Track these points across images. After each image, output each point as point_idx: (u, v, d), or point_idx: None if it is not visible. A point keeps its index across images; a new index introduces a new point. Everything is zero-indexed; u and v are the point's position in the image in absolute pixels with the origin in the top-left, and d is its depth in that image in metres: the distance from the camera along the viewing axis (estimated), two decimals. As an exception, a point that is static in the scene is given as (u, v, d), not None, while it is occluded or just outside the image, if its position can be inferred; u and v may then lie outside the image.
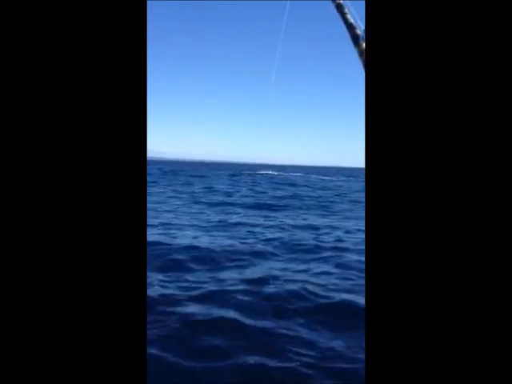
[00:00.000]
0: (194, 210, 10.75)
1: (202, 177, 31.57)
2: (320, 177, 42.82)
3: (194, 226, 8.26)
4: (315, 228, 8.36)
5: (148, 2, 1.31)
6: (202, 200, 13.62)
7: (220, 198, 14.50)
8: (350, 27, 2.39)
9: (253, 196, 16.08)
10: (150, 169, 40.06)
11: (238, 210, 11.30)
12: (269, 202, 13.79)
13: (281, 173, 50.79)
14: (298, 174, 50.44)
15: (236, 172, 48.74)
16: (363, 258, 5.60)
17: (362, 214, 11.30)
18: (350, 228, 8.58)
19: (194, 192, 16.98)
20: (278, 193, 18.30)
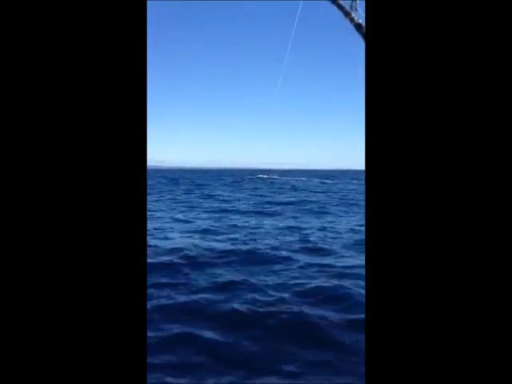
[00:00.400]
0: (190, 216, 10.77)
1: (202, 184, 31.62)
2: (323, 180, 42.87)
3: (183, 230, 8.35)
4: (304, 230, 8.39)
5: (148, 2, 1.29)
6: (199, 207, 13.65)
7: (217, 205, 14.51)
8: (347, 15, 2.42)
9: (251, 202, 16.08)
10: (149, 178, 40.40)
11: (233, 216, 11.29)
12: (265, 207, 13.87)
13: (283, 177, 51.16)
14: (302, 178, 50.69)
15: (238, 178, 48.95)
16: (338, 261, 5.55)
17: (355, 216, 11.31)
18: (340, 230, 8.61)
19: (192, 200, 17.00)
20: (276, 198, 18.33)
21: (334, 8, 2.48)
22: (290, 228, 8.72)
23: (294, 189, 26.48)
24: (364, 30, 2.43)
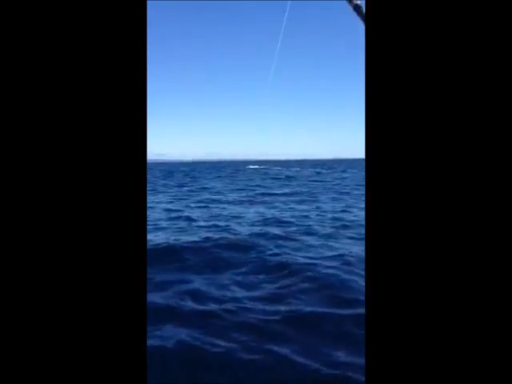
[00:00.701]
0: (178, 206, 10.82)
1: (197, 177, 31.57)
2: (317, 170, 42.85)
3: (167, 218, 8.45)
4: (286, 218, 8.50)
5: (148, 2, 1.30)
6: (189, 198, 13.70)
7: (208, 196, 14.56)
8: None
9: (242, 192, 16.15)
10: (148, 171, 40.20)
11: (222, 205, 11.36)
12: (255, 197, 14.04)
13: (277, 167, 51.23)
14: (297, 168, 50.76)
15: (234, 169, 48.91)
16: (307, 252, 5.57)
17: (342, 203, 11.37)
18: (322, 219, 8.70)
19: (184, 191, 17.04)
20: (266, 187, 18.40)
21: None
22: (273, 217, 8.77)
23: (287, 179, 26.48)
24: (363, 11, 2.44)
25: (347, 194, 14.61)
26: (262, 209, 10.38)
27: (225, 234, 6.51)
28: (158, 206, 11.32)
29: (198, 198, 13.58)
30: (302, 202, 12.15)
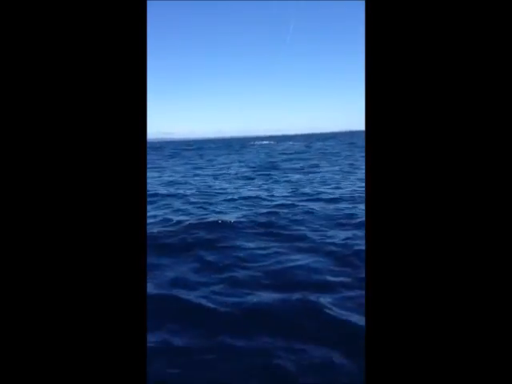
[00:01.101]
0: (179, 181, 10.92)
1: (205, 155, 31.46)
2: (325, 143, 42.44)
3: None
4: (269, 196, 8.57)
5: (148, 2, 1.31)
6: (187, 175, 13.81)
7: (212, 172, 14.66)
8: None
9: (243, 167, 16.23)
10: (154, 151, 40.15)
11: (217, 181, 11.47)
12: (251, 172, 14.18)
13: (291, 142, 51.15)
14: (299, 142, 50.53)
15: (242, 146, 48.66)
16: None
17: (333, 176, 11.29)
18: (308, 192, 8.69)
19: (186, 168, 17.15)
20: (271, 163, 18.59)
21: None
22: (257, 195, 8.71)
23: (295, 154, 26.28)
24: None
25: (351, 165, 14.49)
26: (260, 182, 10.49)
27: (212, 212, 6.50)
28: (153, 181, 11.43)
29: (204, 173, 13.72)
30: (303, 173, 12.13)
